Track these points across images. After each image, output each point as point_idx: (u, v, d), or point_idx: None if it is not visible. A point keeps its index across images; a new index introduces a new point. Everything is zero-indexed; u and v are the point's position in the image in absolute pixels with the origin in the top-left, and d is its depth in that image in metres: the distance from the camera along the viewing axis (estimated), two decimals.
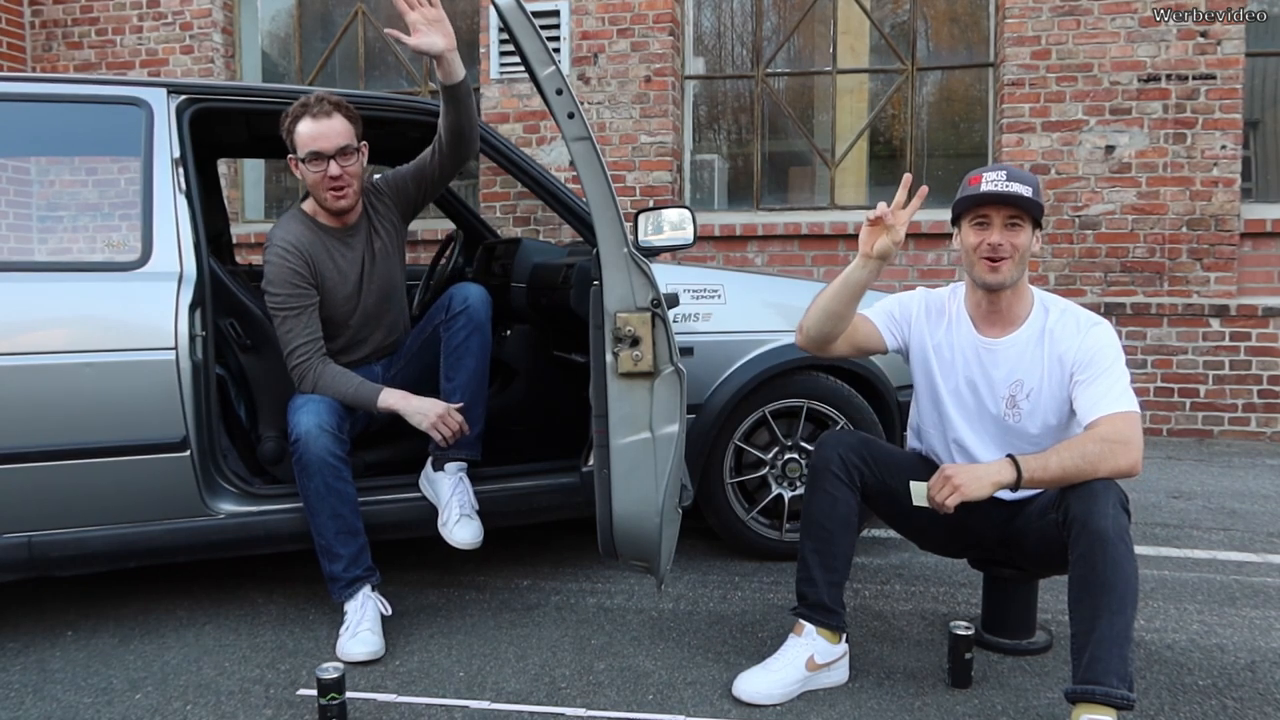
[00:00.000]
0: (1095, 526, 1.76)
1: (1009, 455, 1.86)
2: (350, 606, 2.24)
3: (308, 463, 2.20)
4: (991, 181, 1.93)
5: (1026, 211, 1.93)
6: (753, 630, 2.36)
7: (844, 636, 2.06)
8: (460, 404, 2.35)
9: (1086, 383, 1.92)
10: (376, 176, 2.55)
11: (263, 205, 6.43)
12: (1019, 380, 2.02)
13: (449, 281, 3.10)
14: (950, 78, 5.58)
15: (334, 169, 2.31)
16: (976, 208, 1.96)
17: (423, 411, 2.30)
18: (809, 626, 2.02)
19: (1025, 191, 1.92)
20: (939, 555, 2.33)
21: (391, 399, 2.31)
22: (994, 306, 2.04)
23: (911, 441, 2.26)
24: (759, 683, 1.98)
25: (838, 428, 2.81)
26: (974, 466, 1.89)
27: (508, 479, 2.56)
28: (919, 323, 2.14)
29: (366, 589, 2.25)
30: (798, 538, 2.80)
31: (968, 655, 2.03)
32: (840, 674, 2.05)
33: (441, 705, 1.97)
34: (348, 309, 2.44)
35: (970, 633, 2.03)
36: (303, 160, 2.31)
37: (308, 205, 2.43)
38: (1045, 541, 1.95)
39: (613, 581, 2.71)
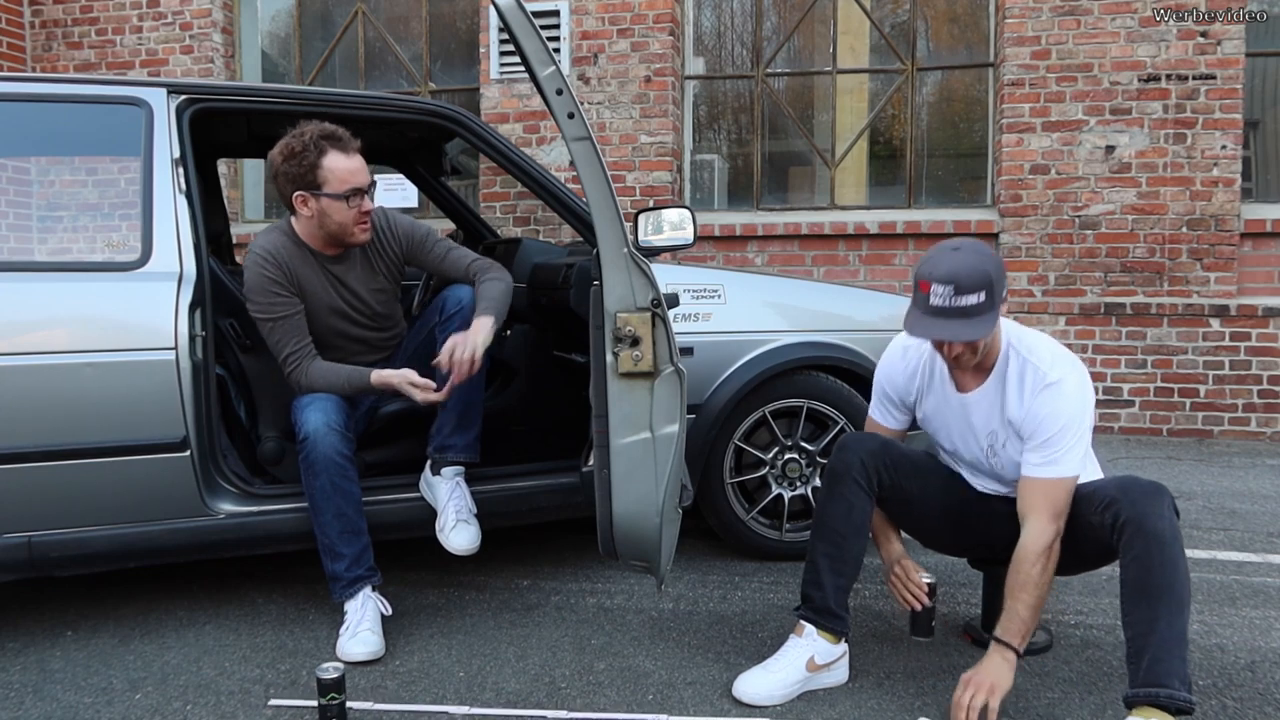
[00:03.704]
0: (1151, 528, 1.76)
1: (994, 640, 1.87)
2: (350, 606, 2.24)
3: (314, 461, 2.20)
4: (939, 296, 1.81)
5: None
6: (753, 630, 2.36)
7: (844, 637, 2.06)
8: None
9: (1029, 448, 1.91)
10: (400, 214, 2.52)
11: (262, 205, 6.43)
12: (993, 431, 2.00)
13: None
14: (950, 78, 5.58)
15: (367, 203, 2.31)
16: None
17: (393, 383, 2.27)
18: (810, 627, 2.02)
19: (976, 311, 1.80)
20: (942, 554, 2.32)
21: (380, 374, 2.30)
22: (963, 367, 2.02)
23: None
24: (759, 684, 1.98)
25: (837, 428, 2.81)
26: (988, 671, 1.83)
27: (508, 479, 2.55)
28: (912, 391, 2.15)
29: (367, 589, 2.25)
30: (797, 538, 2.85)
31: (928, 605, 2.05)
32: (840, 674, 2.05)
33: (442, 711, 1.97)
34: (332, 327, 2.43)
35: (933, 581, 2.06)
36: (342, 197, 2.26)
37: (300, 228, 2.37)
38: (1065, 540, 1.94)
39: (613, 581, 2.71)
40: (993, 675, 1.81)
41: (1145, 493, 1.81)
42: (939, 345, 1.93)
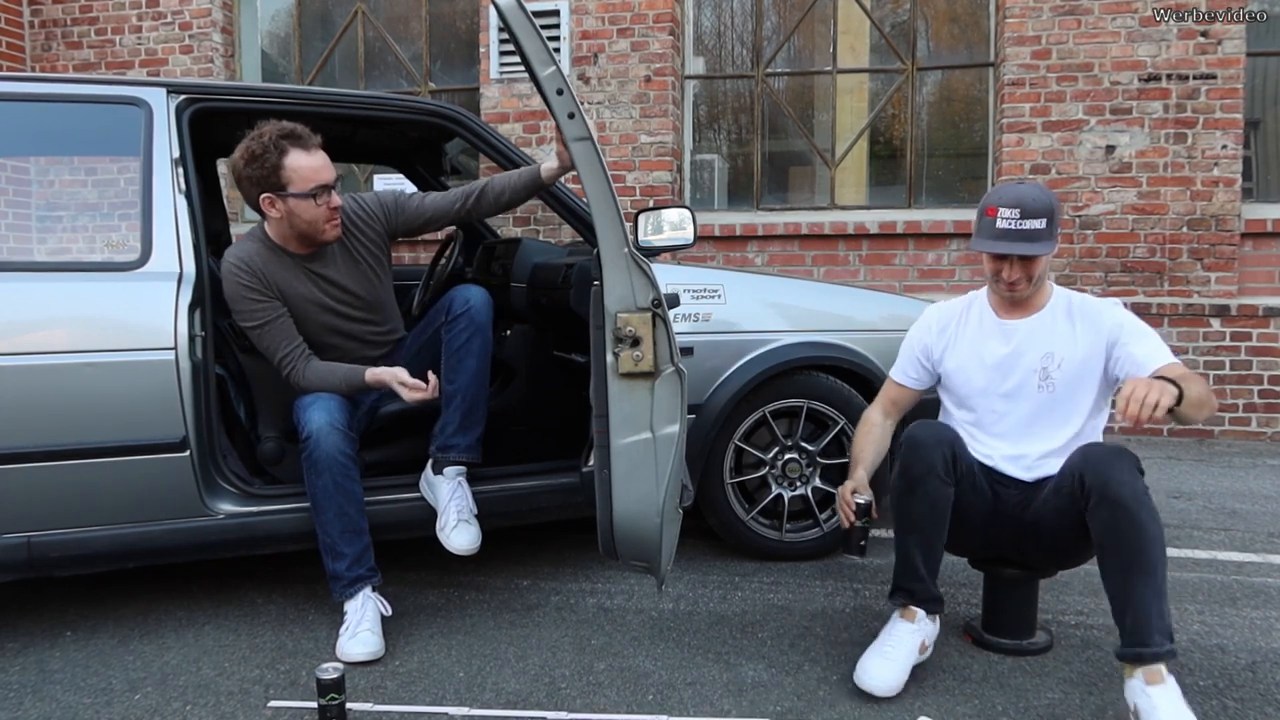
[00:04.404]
0: (1113, 494, 1.82)
1: (1159, 378, 1.79)
2: (350, 606, 2.24)
3: (317, 460, 2.20)
4: (1006, 219, 1.98)
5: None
6: (753, 630, 2.35)
7: (939, 615, 2.14)
8: (478, 376, 2.35)
9: (1132, 342, 2.01)
10: (363, 194, 2.52)
11: None
12: (1049, 353, 2.08)
13: (449, 281, 3.10)
14: (950, 77, 5.58)
15: (335, 199, 2.29)
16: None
17: (385, 381, 2.28)
18: (920, 612, 2.08)
19: (1038, 236, 1.97)
20: (949, 553, 2.31)
21: (374, 372, 2.31)
22: (1016, 299, 2.13)
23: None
24: (886, 673, 1.98)
25: (838, 428, 2.81)
26: (1151, 383, 1.74)
27: (508, 479, 2.55)
28: (939, 346, 2.23)
29: (367, 589, 2.25)
30: (798, 538, 2.85)
31: (858, 523, 2.12)
32: (930, 649, 2.12)
33: (441, 712, 1.96)
34: (325, 324, 2.43)
35: (865, 501, 2.13)
36: (309, 195, 2.25)
37: (271, 230, 2.35)
38: (1061, 521, 1.98)
39: (613, 581, 2.71)
40: (1157, 388, 1.72)
41: (1104, 459, 1.86)
42: (998, 272, 2.06)
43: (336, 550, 2.23)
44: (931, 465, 2.02)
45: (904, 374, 2.30)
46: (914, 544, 2.07)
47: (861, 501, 2.13)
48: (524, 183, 2.44)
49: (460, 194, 2.47)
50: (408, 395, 2.25)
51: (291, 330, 2.35)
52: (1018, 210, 1.97)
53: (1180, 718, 1.76)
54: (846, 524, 2.16)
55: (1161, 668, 1.80)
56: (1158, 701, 1.77)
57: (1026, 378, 2.10)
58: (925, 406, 2.39)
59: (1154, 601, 1.81)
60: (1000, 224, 1.99)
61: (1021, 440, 2.12)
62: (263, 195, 2.27)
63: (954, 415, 2.23)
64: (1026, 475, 2.10)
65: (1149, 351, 1.98)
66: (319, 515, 2.23)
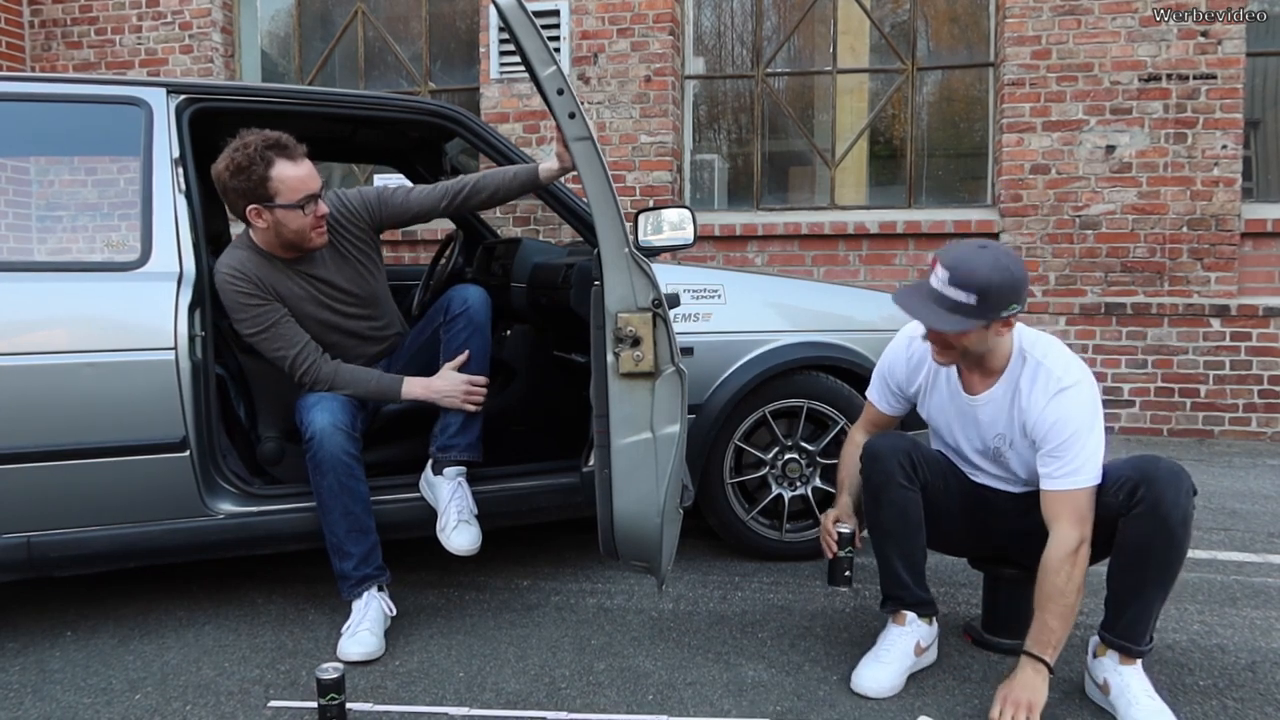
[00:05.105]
0: (1164, 513, 1.82)
1: (1025, 654, 1.87)
2: (356, 605, 2.24)
3: (321, 460, 2.20)
4: (937, 278, 1.84)
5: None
6: (753, 630, 2.35)
7: (935, 615, 2.14)
8: (477, 374, 2.38)
9: (1045, 455, 1.91)
10: (345, 190, 2.50)
11: None
12: (1000, 434, 2.03)
13: (449, 281, 3.10)
14: (950, 77, 5.58)
15: (322, 207, 2.29)
16: None
17: (447, 393, 2.33)
18: (910, 614, 2.09)
19: (955, 309, 1.81)
20: (947, 554, 2.32)
21: (415, 389, 2.34)
22: (969, 364, 2.02)
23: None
24: (879, 676, 2.01)
25: (838, 428, 2.81)
26: (1022, 686, 1.84)
27: (508, 479, 2.55)
28: (910, 385, 2.17)
29: (374, 589, 2.25)
30: (798, 538, 2.85)
31: (841, 553, 2.11)
32: (934, 654, 2.13)
33: (441, 712, 1.96)
34: (324, 322, 2.42)
35: (848, 531, 2.11)
36: (297, 206, 2.23)
37: (257, 238, 2.33)
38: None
39: (613, 581, 2.71)
40: (1028, 691, 1.84)
41: (1163, 477, 1.83)
42: (935, 349, 1.98)
43: (343, 550, 2.23)
44: (890, 473, 2.04)
45: (883, 400, 2.24)
46: (891, 552, 2.08)
47: (845, 531, 2.11)
48: (519, 181, 2.43)
49: (448, 190, 2.44)
50: (467, 406, 2.34)
51: (298, 330, 2.34)
52: (949, 273, 1.82)
53: (1147, 693, 1.86)
54: (830, 554, 2.13)
55: None
56: (1129, 680, 1.89)
57: (983, 450, 2.08)
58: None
59: (1157, 609, 1.90)
60: (930, 279, 1.86)
61: (1001, 479, 2.12)
62: (250, 206, 2.25)
63: (939, 441, 2.22)
64: (1016, 489, 2.10)
65: (1047, 473, 1.90)
66: (325, 515, 2.23)
